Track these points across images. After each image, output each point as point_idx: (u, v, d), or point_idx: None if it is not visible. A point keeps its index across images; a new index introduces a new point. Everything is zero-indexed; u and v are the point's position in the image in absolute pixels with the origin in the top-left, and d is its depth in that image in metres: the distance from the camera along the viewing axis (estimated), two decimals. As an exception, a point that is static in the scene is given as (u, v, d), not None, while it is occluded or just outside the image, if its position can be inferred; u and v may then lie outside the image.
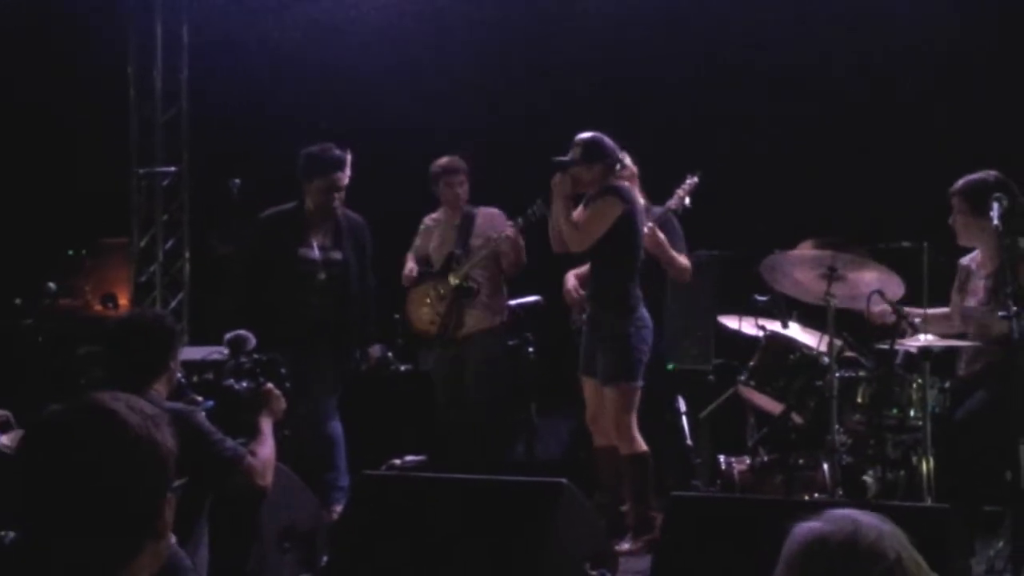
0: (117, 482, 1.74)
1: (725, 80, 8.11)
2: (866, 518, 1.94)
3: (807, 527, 1.95)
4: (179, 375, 4.24)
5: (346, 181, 6.48)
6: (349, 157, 6.50)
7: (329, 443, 6.43)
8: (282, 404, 4.39)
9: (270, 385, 4.41)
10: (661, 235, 6.30)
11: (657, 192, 6.63)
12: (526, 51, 8.66)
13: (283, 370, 4.58)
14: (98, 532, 1.73)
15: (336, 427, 6.46)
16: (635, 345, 5.89)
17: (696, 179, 6.53)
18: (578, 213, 6.04)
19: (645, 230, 6.16)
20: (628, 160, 6.32)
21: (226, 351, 4.71)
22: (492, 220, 6.83)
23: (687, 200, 6.50)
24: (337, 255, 6.53)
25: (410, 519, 4.93)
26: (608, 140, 6.00)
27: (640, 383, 5.92)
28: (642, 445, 5.89)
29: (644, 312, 5.95)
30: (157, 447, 1.78)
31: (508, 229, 6.64)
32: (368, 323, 6.72)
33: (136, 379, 3.82)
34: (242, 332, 4.69)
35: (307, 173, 6.45)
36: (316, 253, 6.50)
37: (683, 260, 6.42)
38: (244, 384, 4.43)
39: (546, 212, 6.29)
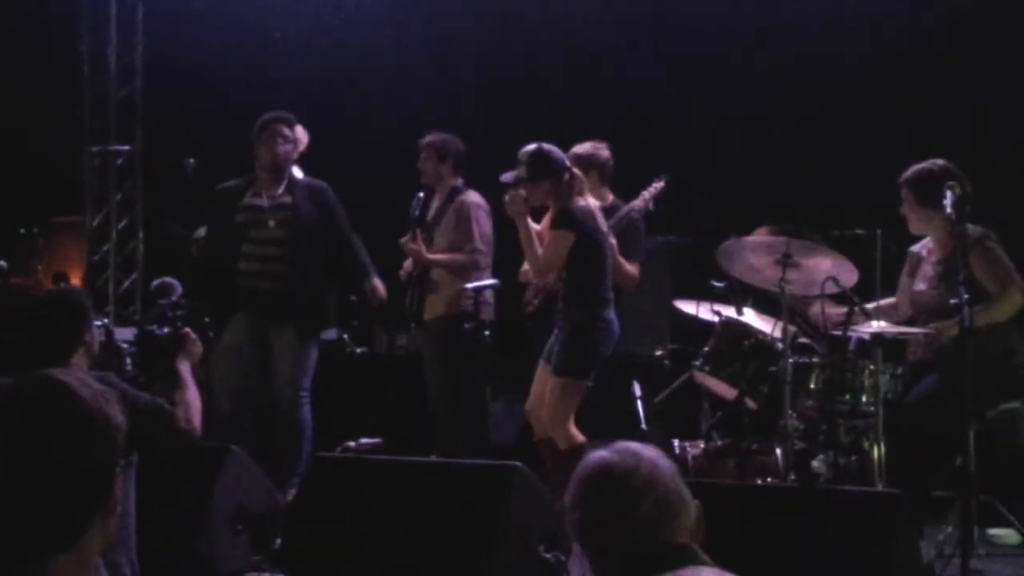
0: (71, 456, 1.72)
1: (685, 71, 8.14)
2: (648, 452, 2.23)
3: (597, 456, 2.23)
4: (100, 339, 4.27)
5: (290, 134, 6.45)
6: (301, 127, 6.52)
7: (298, 430, 6.37)
8: (198, 347, 4.45)
9: (187, 329, 4.44)
10: (612, 241, 6.27)
11: (618, 185, 6.63)
12: (494, 23, 8.65)
13: (207, 318, 4.62)
14: (50, 507, 1.72)
15: (306, 414, 6.40)
16: (593, 342, 5.88)
17: (663, 184, 6.51)
18: (543, 226, 6.04)
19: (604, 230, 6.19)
20: (604, 152, 6.37)
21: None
22: (460, 208, 6.78)
23: (651, 204, 6.51)
24: (287, 200, 6.43)
25: (365, 502, 4.93)
26: (553, 151, 5.93)
27: (587, 383, 5.90)
28: (578, 437, 5.85)
29: (611, 315, 5.93)
30: (109, 421, 1.77)
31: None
32: (364, 266, 6.58)
33: (54, 354, 3.84)
34: (167, 279, 4.76)
35: (256, 136, 6.48)
36: (264, 201, 6.44)
37: (630, 268, 6.35)
38: (165, 330, 4.48)
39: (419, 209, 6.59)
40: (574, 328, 5.88)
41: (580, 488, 2.23)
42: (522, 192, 5.89)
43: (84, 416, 1.74)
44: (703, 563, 2.16)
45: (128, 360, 4.63)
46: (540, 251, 5.97)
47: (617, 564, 2.17)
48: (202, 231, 6.70)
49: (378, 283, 6.53)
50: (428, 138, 6.88)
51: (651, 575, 2.11)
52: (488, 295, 6.62)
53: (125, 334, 6.75)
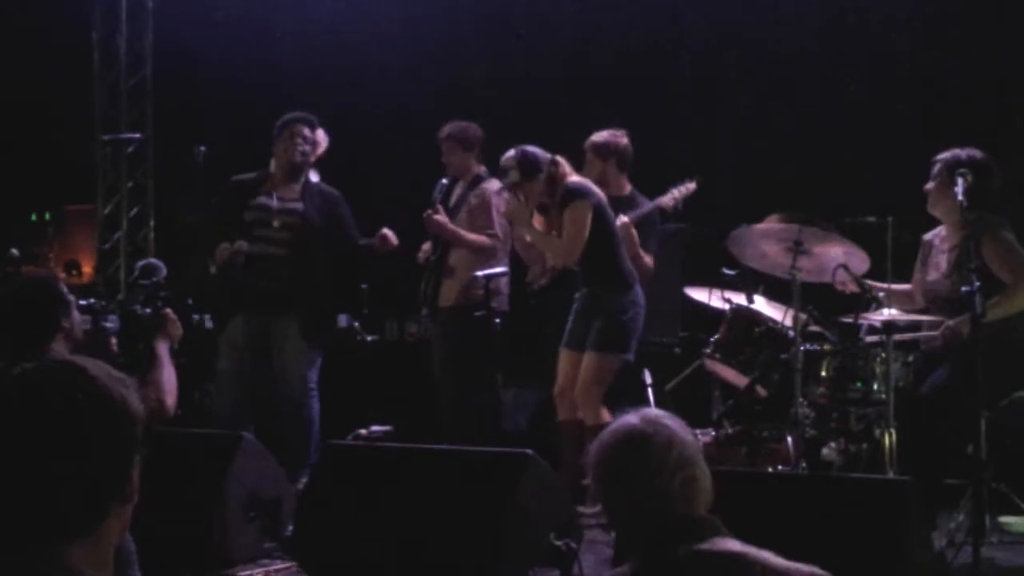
0: (91, 442, 1.73)
1: (693, 57, 8.13)
2: (678, 429, 2.32)
3: (629, 425, 2.32)
4: (82, 321, 4.29)
5: (310, 135, 6.44)
6: (321, 131, 6.51)
7: (307, 424, 6.39)
8: (178, 328, 4.45)
9: (168, 309, 4.46)
10: (635, 233, 6.31)
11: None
12: (497, 20, 8.64)
13: (190, 300, 4.63)
14: (68, 493, 1.72)
15: (314, 408, 6.42)
16: (631, 319, 5.96)
17: (693, 185, 6.52)
18: (537, 222, 6.07)
19: (625, 219, 6.20)
20: (622, 140, 6.42)
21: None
22: (480, 195, 6.77)
23: (680, 205, 6.52)
24: (297, 206, 6.43)
25: (376, 489, 4.94)
26: (534, 148, 6.03)
27: (629, 357, 5.98)
28: (607, 416, 5.90)
29: (639, 290, 6.02)
30: (128, 407, 1.78)
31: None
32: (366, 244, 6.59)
33: (30, 342, 3.85)
34: (153, 260, 4.80)
35: (276, 134, 6.47)
36: (274, 202, 6.42)
37: (647, 260, 6.42)
38: (148, 310, 4.51)
39: (441, 193, 6.55)
40: (609, 315, 5.93)
41: (611, 456, 2.32)
42: (518, 199, 5.99)
43: (105, 402, 1.75)
44: (726, 535, 2.28)
45: (114, 340, 4.68)
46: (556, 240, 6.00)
47: (648, 534, 2.28)
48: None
49: (384, 232, 6.48)
50: (446, 131, 6.83)
51: (680, 545, 2.24)
52: (502, 285, 6.62)
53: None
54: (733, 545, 2.26)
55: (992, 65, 7.31)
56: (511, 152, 6.03)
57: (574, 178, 6.01)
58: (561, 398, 6.13)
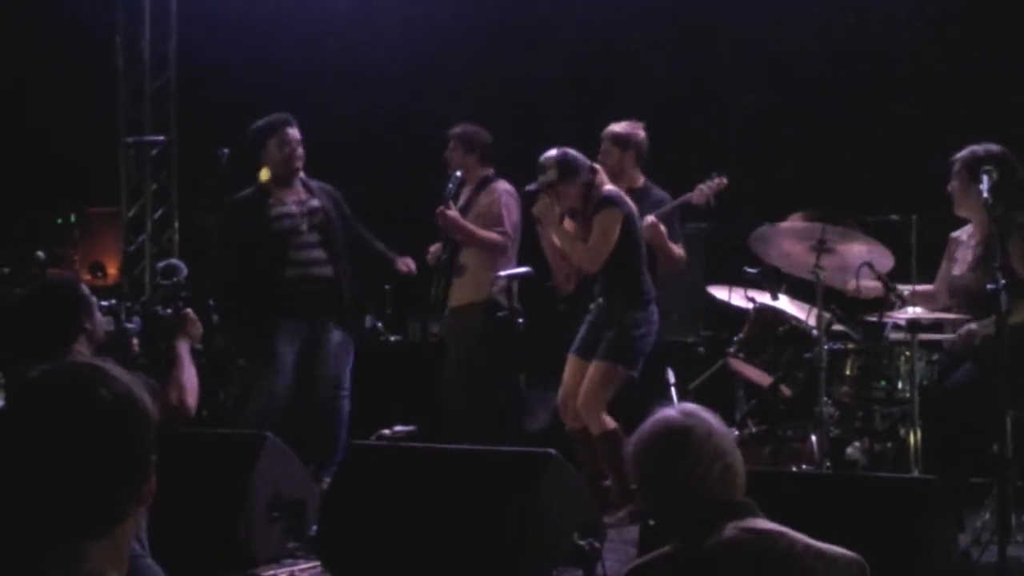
0: (111, 444, 1.73)
1: (713, 56, 8.11)
2: (714, 421, 2.48)
3: (670, 418, 2.46)
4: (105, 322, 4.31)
5: (298, 137, 6.42)
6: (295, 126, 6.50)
7: (336, 423, 6.41)
8: (198, 328, 4.46)
9: (188, 309, 4.47)
10: (663, 228, 6.30)
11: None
12: (497, 20, 8.64)
13: (211, 302, 4.64)
14: (89, 495, 1.73)
15: (345, 407, 6.45)
16: (642, 336, 5.96)
17: (724, 180, 6.51)
18: (567, 225, 6.07)
19: (650, 219, 6.19)
20: (641, 133, 6.42)
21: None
22: (490, 194, 6.77)
23: (712, 200, 6.50)
24: (315, 204, 6.44)
25: (399, 489, 4.95)
26: (575, 152, 6.02)
27: (634, 374, 5.97)
28: (610, 423, 5.90)
29: (655, 310, 6.03)
30: (146, 409, 1.79)
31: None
32: (385, 252, 6.73)
33: (52, 345, 3.87)
34: (174, 261, 4.84)
35: (260, 140, 6.43)
36: (293, 207, 6.42)
37: (678, 251, 6.43)
38: (168, 310, 4.54)
39: (454, 186, 6.57)
40: (622, 328, 5.93)
41: (653, 449, 2.45)
42: (549, 200, 5.98)
43: (124, 403, 1.76)
44: (763, 516, 2.44)
45: (135, 341, 4.73)
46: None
47: (686, 523, 2.42)
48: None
49: (406, 260, 6.65)
50: (455, 129, 6.85)
51: (718, 525, 2.39)
52: (514, 284, 6.61)
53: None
54: (772, 525, 2.42)
55: (992, 65, 7.27)
56: (552, 151, 6.01)
57: (610, 187, 6.02)
58: (564, 407, 6.11)
